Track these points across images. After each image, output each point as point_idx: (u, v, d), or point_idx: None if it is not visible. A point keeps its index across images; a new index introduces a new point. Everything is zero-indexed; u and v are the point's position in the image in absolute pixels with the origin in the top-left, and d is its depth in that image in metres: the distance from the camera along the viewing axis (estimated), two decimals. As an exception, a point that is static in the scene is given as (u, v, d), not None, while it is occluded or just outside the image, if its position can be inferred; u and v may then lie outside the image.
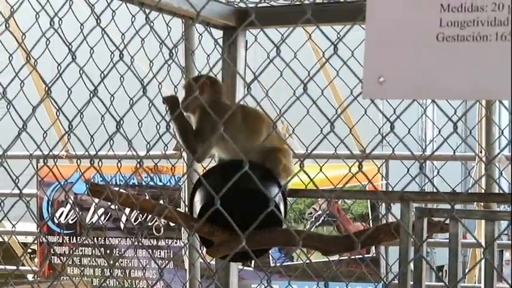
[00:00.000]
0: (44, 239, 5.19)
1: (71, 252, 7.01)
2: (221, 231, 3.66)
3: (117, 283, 6.89)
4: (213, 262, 4.66)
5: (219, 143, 3.77)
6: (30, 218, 4.20)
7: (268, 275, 2.51)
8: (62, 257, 7.06)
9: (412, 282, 3.54)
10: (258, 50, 4.38)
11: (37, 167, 5.83)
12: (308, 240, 3.81)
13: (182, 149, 3.59)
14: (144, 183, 6.59)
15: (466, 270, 6.82)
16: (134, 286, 6.86)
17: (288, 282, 4.31)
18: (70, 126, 2.81)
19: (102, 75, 3.23)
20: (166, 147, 4.18)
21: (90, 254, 7.02)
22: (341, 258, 6.06)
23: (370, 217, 6.13)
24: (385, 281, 2.06)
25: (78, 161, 3.65)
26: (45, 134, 3.64)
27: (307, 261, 3.44)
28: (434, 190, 3.26)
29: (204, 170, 4.03)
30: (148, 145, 3.88)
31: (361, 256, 5.94)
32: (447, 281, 3.58)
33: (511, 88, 2.25)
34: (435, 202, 3.75)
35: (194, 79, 3.90)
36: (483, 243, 3.64)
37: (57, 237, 7.15)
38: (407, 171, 4.08)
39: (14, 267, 5.52)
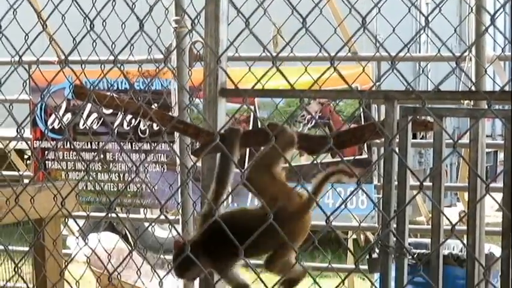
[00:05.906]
0: (26, 144, 5.18)
1: (59, 157, 7.04)
2: (206, 132, 3.67)
3: (111, 186, 6.95)
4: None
5: None
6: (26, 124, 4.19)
7: (244, 174, 2.52)
8: (55, 162, 7.10)
9: (396, 182, 3.55)
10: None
11: (29, 72, 5.81)
12: (295, 138, 3.80)
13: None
14: (137, 87, 6.56)
15: (459, 171, 6.84)
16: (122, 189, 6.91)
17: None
18: (45, 26, 2.78)
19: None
20: (150, 49, 4.14)
21: (84, 159, 7.05)
22: (333, 160, 6.08)
23: (362, 118, 6.12)
24: (358, 181, 2.05)
25: (62, 64, 3.62)
26: (26, 37, 3.59)
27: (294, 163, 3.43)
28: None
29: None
30: (131, 47, 3.83)
31: (352, 158, 5.96)
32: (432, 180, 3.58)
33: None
34: (419, 101, 3.72)
35: None
36: (478, 142, 3.60)
37: (53, 142, 7.19)
38: (392, 70, 4.03)
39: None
